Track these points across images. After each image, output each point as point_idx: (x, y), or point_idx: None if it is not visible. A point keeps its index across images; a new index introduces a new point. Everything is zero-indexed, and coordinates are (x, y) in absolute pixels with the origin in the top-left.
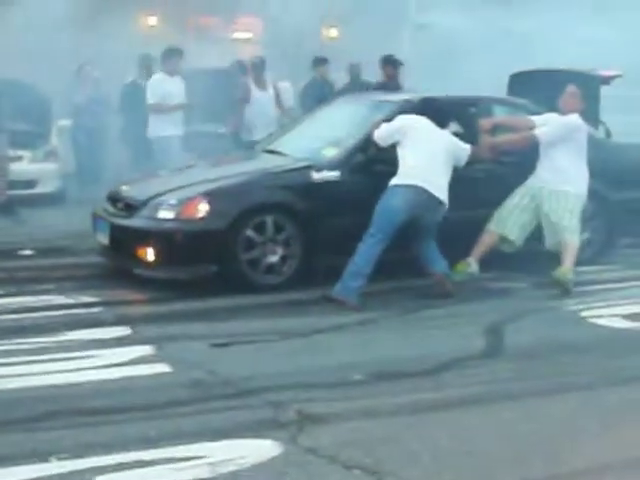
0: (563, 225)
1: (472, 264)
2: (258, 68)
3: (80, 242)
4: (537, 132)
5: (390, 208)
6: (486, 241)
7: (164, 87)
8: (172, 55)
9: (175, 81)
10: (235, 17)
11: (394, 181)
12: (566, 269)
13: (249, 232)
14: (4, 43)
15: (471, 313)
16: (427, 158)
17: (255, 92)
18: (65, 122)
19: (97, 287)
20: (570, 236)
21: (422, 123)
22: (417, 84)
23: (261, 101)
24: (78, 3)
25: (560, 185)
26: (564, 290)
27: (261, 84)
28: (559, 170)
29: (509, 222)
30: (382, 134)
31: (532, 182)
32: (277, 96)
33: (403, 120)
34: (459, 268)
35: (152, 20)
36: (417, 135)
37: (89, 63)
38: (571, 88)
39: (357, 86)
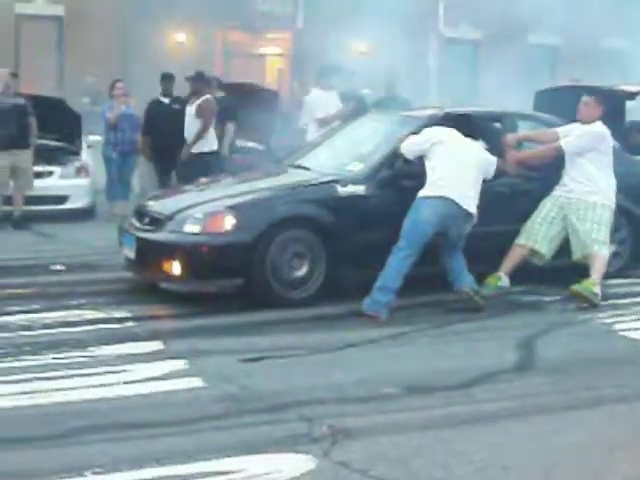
0: (592, 237)
1: (503, 278)
2: None
3: (110, 257)
4: (562, 142)
5: (419, 220)
6: (516, 254)
7: (325, 101)
8: (330, 72)
9: (330, 95)
10: (264, 32)
11: (422, 193)
12: (589, 282)
13: (275, 246)
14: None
15: (502, 327)
16: (456, 170)
17: None
18: (96, 138)
19: (127, 302)
20: (598, 248)
21: (451, 135)
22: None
23: None
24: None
25: (587, 195)
26: (590, 303)
27: None
28: (586, 180)
29: (539, 235)
30: (409, 146)
31: (559, 192)
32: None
33: (431, 132)
34: (490, 282)
35: (181, 36)
36: (446, 147)
37: (121, 80)
38: (584, 98)
39: (392, 100)
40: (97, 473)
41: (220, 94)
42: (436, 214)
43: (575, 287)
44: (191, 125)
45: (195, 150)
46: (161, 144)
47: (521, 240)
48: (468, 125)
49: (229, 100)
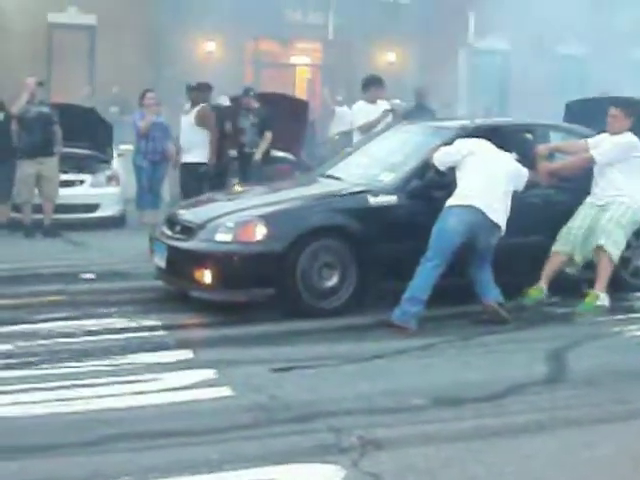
0: (608, 229)
1: (544, 289)
2: None
3: (140, 265)
4: (594, 153)
5: (445, 229)
6: (554, 264)
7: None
8: (371, 84)
9: (377, 107)
10: (293, 42)
11: (450, 202)
12: (593, 296)
13: (305, 256)
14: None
15: (532, 339)
16: (485, 180)
17: None
18: (127, 147)
19: (157, 310)
20: (611, 246)
21: (483, 146)
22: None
23: None
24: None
25: (617, 197)
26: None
27: None
28: (614, 189)
29: (575, 243)
30: (441, 157)
31: (591, 200)
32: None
33: (463, 143)
34: (533, 294)
35: (210, 45)
36: (477, 158)
37: (151, 89)
38: (611, 110)
39: (422, 110)
40: None
41: (256, 105)
42: (462, 223)
43: (578, 310)
44: (188, 133)
45: (194, 160)
46: None
47: (557, 248)
48: (499, 137)
49: (266, 110)
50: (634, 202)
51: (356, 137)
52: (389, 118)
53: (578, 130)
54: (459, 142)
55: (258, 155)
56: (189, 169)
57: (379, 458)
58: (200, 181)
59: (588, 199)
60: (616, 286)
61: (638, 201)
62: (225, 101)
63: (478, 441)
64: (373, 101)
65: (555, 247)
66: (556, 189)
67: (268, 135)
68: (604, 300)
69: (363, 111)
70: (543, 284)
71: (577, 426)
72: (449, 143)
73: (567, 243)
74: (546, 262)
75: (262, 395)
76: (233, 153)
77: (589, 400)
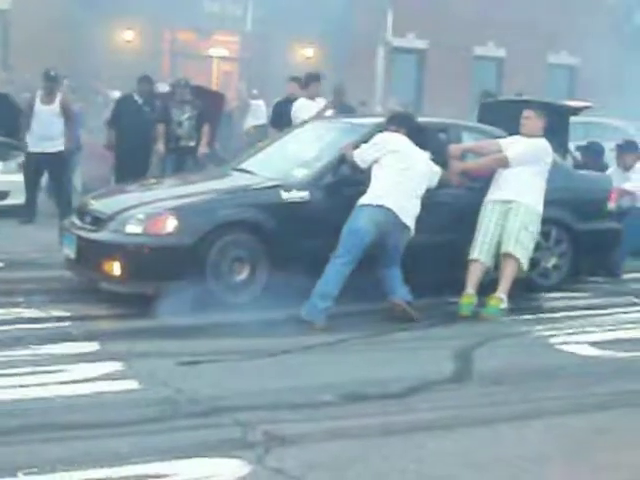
0: (515, 235)
1: (504, 298)
2: None
3: (50, 255)
4: (508, 154)
5: (357, 229)
6: (478, 270)
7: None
8: (311, 81)
9: (317, 103)
10: (212, 33)
11: (362, 200)
12: (497, 299)
13: (216, 249)
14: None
15: (440, 337)
16: (400, 181)
17: None
18: None
19: (65, 301)
20: (520, 252)
21: (403, 144)
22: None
23: None
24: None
25: (520, 199)
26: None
27: None
28: (518, 188)
29: (491, 252)
30: (362, 154)
31: (493, 198)
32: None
33: (384, 139)
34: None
35: (128, 34)
36: (395, 156)
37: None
38: (526, 112)
39: (340, 106)
40: (30, 474)
41: (189, 96)
42: (373, 222)
43: (484, 314)
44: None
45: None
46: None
47: (476, 255)
48: (413, 135)
49: (202, 103)
50: (537, 204)
51: None
52: (329, 113)
53: (491, 131)
54: (380, 137)
55: (204, 149)
56: None
57: (284, 454)
58: None
59: (489, 198)
60: (525, 286)
61: (540, 203)
62: (164, 88)
63: (384, 438)
64: (313, 98)
65: (474, 255)
66: (466, 189)
67: (206, 128)
68: (506, 303)
69: (304, 107)
70: (472, 290)
71: (483, 424)
72: (364, 140)
73: (483, 252)
74: (468, 270)
75: (168, 389)
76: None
77: (495, 398)
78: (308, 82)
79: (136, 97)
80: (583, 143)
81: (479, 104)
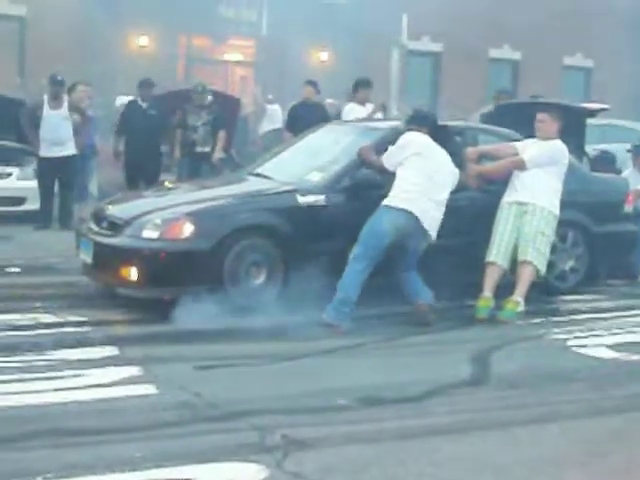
0: (533, 240)
1: (521, 302)
2: None
3: (67, 260)
4: (525, 157)
5: (377, 231)
6: (495, 273)
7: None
8: (359, 86)
9: (367, 109)
10: (227, 38)
11: (387, 201)
12: (514, 302)
13: (233, 254)
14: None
15: (457, 340)
16: (426, 185)
17: None
18: None
19: (83, 306)
20: (536, 258)
21: (426, 144)
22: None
23: None
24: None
25: (536, 201)
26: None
27: None
28: (534, 191)
29: (507, 255)
30: (391, 159)
31: (509, 200)
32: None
33: (409, 140)
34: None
35: (143, 40)
36: (422, 159)
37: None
38: (540, 115)
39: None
40: (47, 479)
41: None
42: (394, 226)
43: (501, 317)
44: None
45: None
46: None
47: (493, 258)
48: (437, 133)
49: (219, 108)
50: (553, 207)
51: None
52: (379, 116)
53: (507, 134)
54: (405, 139)
55: (219, 154)
56: None
57: (302, 458)
58: None
59: (505, 200)
60: (542, 289)
61: (556, 206)
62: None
63: (400, 442)
64: (362, 103)
65: (490, 258)
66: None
67: (222, 134)
68: (523, 306)
69: (354, 112)
70: (489, 293)
71: (499, 428)
72: (379, 143)
73: (500, 255)
74: (485, 272)
75: (186, 393)
76: (166, 149)
77: (512, 402)
78: (357, 87)
79: (140, 102)
80: (595, 152)
81: (494, 106)
